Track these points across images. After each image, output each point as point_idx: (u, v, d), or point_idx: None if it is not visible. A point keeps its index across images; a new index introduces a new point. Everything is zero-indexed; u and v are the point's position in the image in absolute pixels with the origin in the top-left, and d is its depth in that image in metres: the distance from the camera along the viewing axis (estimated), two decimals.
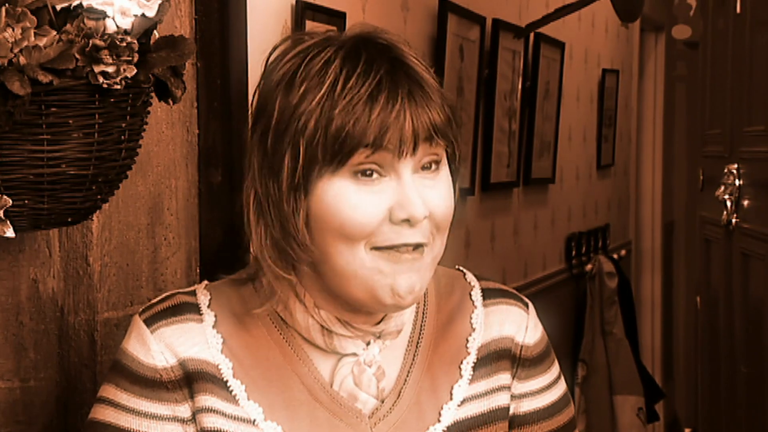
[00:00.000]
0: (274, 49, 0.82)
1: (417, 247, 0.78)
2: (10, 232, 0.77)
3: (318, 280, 0.81)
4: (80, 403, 0.97)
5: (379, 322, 0.83)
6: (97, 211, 0.89)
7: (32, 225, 0.80)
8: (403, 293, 0.78)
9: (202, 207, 1.17)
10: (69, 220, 0.83)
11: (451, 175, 0.82)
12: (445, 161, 0.81)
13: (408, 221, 0.77)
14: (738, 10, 2.34)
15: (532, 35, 2.77)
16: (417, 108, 0.76)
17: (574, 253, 3.35)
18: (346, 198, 0.76)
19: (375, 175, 0.77)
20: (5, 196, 0.75)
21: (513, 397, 0.90)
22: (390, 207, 0.77)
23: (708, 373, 2.73)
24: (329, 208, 0.77)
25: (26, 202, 0.77)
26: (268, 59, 0.82)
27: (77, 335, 1.00)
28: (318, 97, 0.76)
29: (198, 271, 1.17)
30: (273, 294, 0.82)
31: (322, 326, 0.82)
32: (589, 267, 3.40)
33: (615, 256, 3.67)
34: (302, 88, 0.77)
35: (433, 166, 0.79)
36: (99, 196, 0.84)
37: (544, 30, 2.79)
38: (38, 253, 0.95)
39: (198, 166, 1.16)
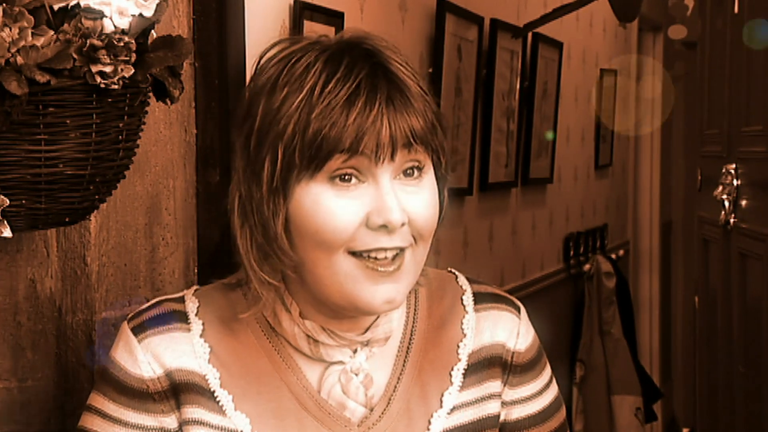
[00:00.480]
0: (264, 53, 0.81)
1: (396, 255, 0.78)
2: (7, 232, 0.77)
3: (303, 287, 0.81)
4: (78, 403, 0.97)
5: (365, 331, 0.83)
6: (95, 211, 0.89)
7: (29, 225, 0.80)
8: (379, 304, 0.78)
9: (200, 207, 1.17)
10: (66, 220, 0.83)
11: (438, 182, 0.82)
12: (429, 168, 0.80)
13: (385, 227, 0.76)
14: (736, 10, 2.34)
15: (530, 35, 2.77)
16: (395, 113, 0.75)
17: (572, 253, 3.35)
18: (324, 203, 0.76)
19: (353, 180, 0.76)
20: (2, 196, 0.75)
21: (504, 404, 0.89)
22: (368, 213, 0.76)
23: (706, 373, 2.74)
24: (307, 213, 0.76)
25: (23, 202, 0.77)
26: (258, 63, 0.81)
27: (75, 335, 1.00)
28: (297, 101, 0.75)
29: (195, 270, 1.17)
30: (260, 299, 0.81)
31: (308, 335, 0.82)
32: (587, 267, 3.40)
33: (613, 256, 3.67)
34: (284, 92, 0.76)
35: (416, 173, 0.78)
36: (97, 196, 0.84)
37: (542, 30, 2.79)
38: (36, 253, 0.95)
39: (195, 166, 1.16)
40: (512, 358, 0.89)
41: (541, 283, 3.01)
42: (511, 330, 0.90)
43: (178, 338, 0.82)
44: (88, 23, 0.74)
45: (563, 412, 0.96)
